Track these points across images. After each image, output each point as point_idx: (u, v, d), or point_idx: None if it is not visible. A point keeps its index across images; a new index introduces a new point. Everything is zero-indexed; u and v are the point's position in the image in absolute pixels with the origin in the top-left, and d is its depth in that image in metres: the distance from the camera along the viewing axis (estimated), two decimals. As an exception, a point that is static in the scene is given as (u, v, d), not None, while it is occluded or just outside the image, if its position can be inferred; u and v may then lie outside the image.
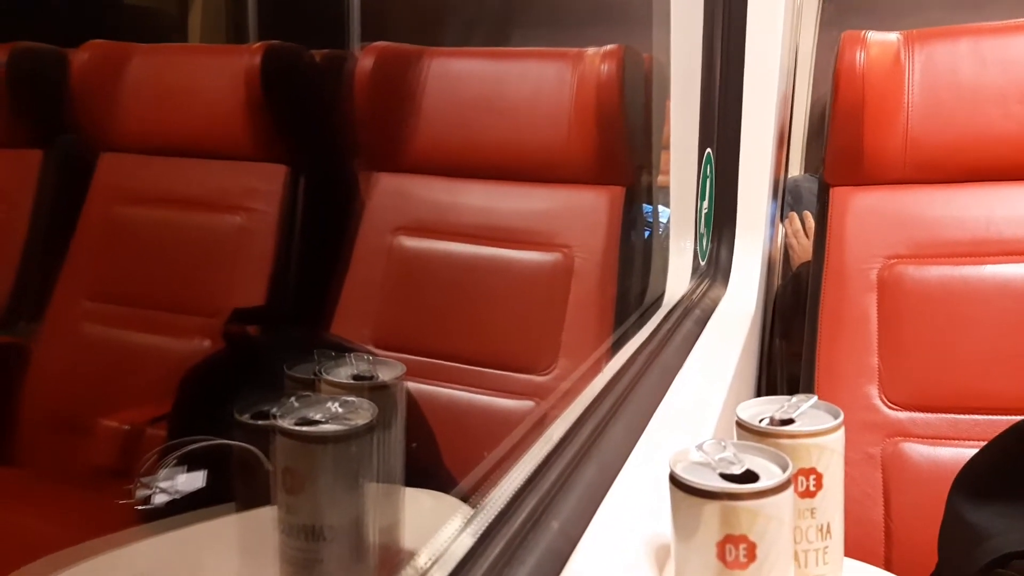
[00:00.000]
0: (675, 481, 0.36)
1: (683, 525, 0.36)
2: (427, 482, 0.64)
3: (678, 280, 1.06)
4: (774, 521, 0.35)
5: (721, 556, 0.35)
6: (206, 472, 0.61)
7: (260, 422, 0.44)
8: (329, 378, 0.49)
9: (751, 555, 0.34)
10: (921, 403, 0.99)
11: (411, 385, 1.21)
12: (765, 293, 1.22)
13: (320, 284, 1.24)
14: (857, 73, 1.02)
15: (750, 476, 0.36)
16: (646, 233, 1.22)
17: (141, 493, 0.64)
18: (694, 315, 0.87)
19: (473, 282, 1.18)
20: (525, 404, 1.12)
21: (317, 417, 0.42)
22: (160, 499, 0.63)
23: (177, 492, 0.63)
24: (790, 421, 0.42)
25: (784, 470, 0.36)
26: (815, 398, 0.43)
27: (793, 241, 1.62)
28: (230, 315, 1.12)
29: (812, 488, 0.40)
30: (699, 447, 0.37)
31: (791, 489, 0.35)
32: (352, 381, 0.49)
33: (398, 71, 1.23)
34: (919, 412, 0.99)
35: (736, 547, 0.34)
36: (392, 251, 1.21)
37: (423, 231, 1.21)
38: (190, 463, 0.62)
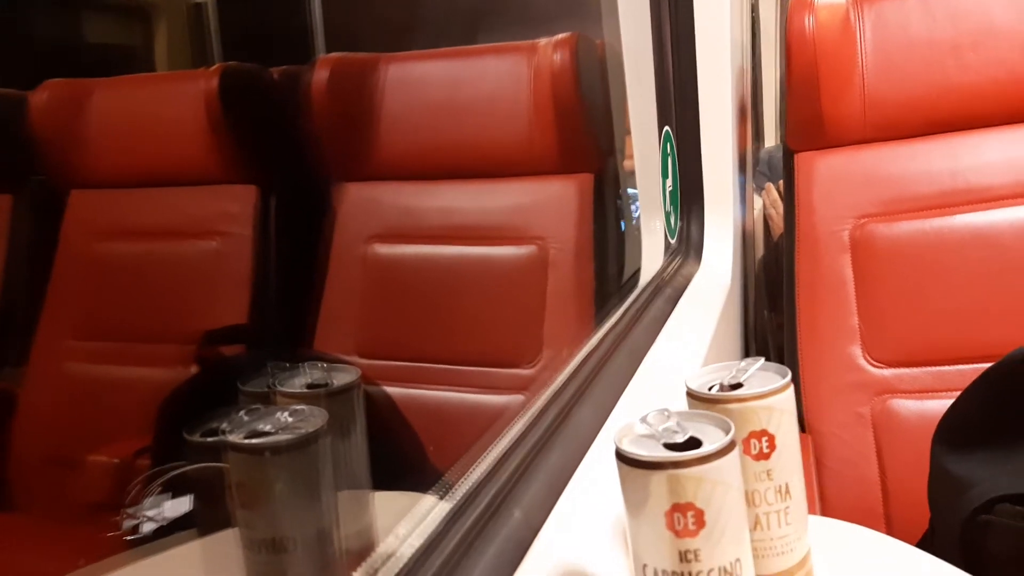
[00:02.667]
0: (619, 455, 0.36)
1: (631, 499, 0.36)
2: (420, 485, 0.64)
3: (652, 260, 1.06)
4: (720, 486, 0.34)
5: (670, 526, 0.34)
6: (189, 497, 0.61)
7: (210, 439, 0.44)
8: (283, 389, 0.48)
9: (700, 522, 0.34)
10: (905, 358, 0.99)
11: (400, 390, 1.21)
12: (743, 266, 1.22)
13: (300, 300, 1.24)
14: (808, 39, 1.02)
15: (695, 444, 0.36)
16: (618, 217, 1.22)
17: (127, 524, 0.64)
18: (665, 293, 0.87)
19: (451, 283, 1.18)
20: (515, 399, 1.12)
21: (267, 429, 0.42)
22: (146, 528, 0.63)
23: (163, 519, 0.63)
24: (739, 386, 0.42)
25: (727, 434, 0.35)
26: (762, 360, 0.43)
27: (772, 212, 1.62)
28: (211, 339, 1.12)
29: (766, 450, 0.40)
30: (643, 420, 0.37)
31: (735, 452, 0.35)
32: (306, 390, 0.49)
33: (355, 80, 1.23)
34: (904, 368, 0.99)
35: (684, 515, 0.34)
36: (368, 260, 1.21)
37: (397, 237, 1.21)
38: (173, 489, 0.62)
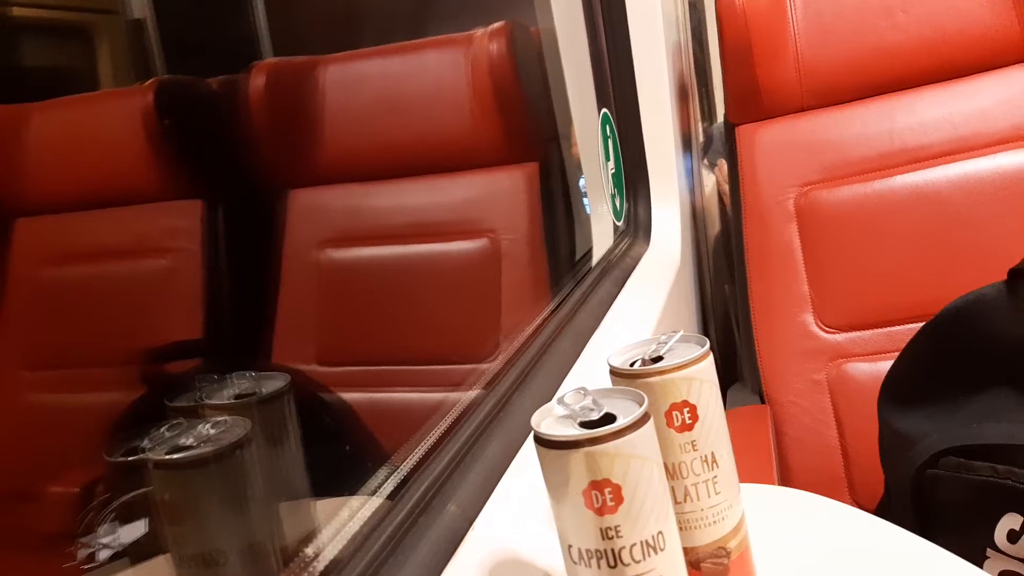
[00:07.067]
0: (537, 438, 0.35)
1: (552, 481, 0.35)
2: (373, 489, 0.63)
3: (603, 244, 1.06)
4: (635, 460, 0.34)
5: (590, 504, 0.34)
6: (144, 520, 0.60)
7: (131, 458, 0.43)
8: (211, 402, 0.48)
9: (618, 497, 0.34)
10: (856, 322, 1.00)
11: (362, 396, 1.20)
12: (695, 242, 1.22)
13: (256, 311, 1.23)
14: (738, 11, 1.02)
15: (612, 420, 0.36)
16: (568, 203, 1.22)
17: (82, 553, 0.63)
18: (612, 275, 0.87)
19: (407, 282, 1.17)
20: (479, 394, 1.11)
21: (190, 443, 0.41)
22: (102, 555, 0.62)
23: (119, 545, 0.62)
24: (661, 359, 0.41)
25: (641, 406, 0.35)
26: (681, 332, 0.42)
27: (725, 187, 1.62)
28: (165, 358, 1.10)
29: (688, 421, 0.40)
30: (560, 401, 0.37)
31: (649, 425, 0.35)
32: (235, 401, 0.48)
33: (293, 85, 1.22)
34: (856, 331, 1.00)
35: (602, 492, 0.34)
36: (321, 266, 1.20)
37: (348, 240, 1.20)
38: (127, 514, 0.61)
